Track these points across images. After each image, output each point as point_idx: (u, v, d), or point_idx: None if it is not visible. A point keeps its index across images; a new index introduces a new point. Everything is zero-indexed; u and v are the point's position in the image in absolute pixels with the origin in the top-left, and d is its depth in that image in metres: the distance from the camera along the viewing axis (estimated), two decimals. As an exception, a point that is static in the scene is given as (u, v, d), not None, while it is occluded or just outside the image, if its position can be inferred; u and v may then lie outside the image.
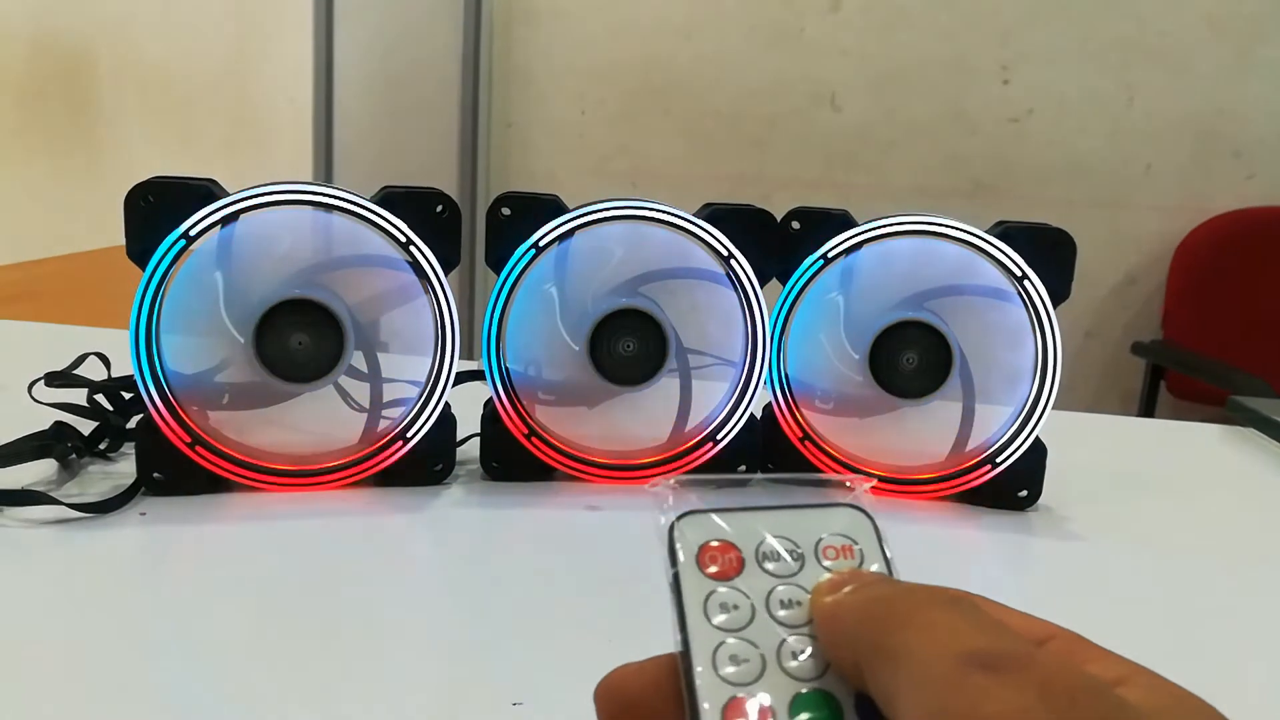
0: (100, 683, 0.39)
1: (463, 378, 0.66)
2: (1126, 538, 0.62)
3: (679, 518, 0.24)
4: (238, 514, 0.56)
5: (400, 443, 0.60)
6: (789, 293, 0.62)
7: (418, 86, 2.04)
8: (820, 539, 0.24)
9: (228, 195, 0.56)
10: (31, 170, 1.67)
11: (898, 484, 0.63)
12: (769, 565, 0.23)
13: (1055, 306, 0.61)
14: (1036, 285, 0.60)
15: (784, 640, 0.22)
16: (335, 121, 2.04)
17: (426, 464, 0.61)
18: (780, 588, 0.23)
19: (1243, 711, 0.21)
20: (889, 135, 1.96)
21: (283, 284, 0.58)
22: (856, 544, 0.24)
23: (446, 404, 0.60)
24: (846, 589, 0.23)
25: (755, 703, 0.21)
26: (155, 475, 0.57)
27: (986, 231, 0.61)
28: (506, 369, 0.62)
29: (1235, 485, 0.75)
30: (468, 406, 0.63)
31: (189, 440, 0.57)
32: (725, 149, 2.01)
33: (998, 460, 0.62)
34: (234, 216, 0.56)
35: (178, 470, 0.57)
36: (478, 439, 0.63)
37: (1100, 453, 0.77)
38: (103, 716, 0.38)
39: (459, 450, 0.62)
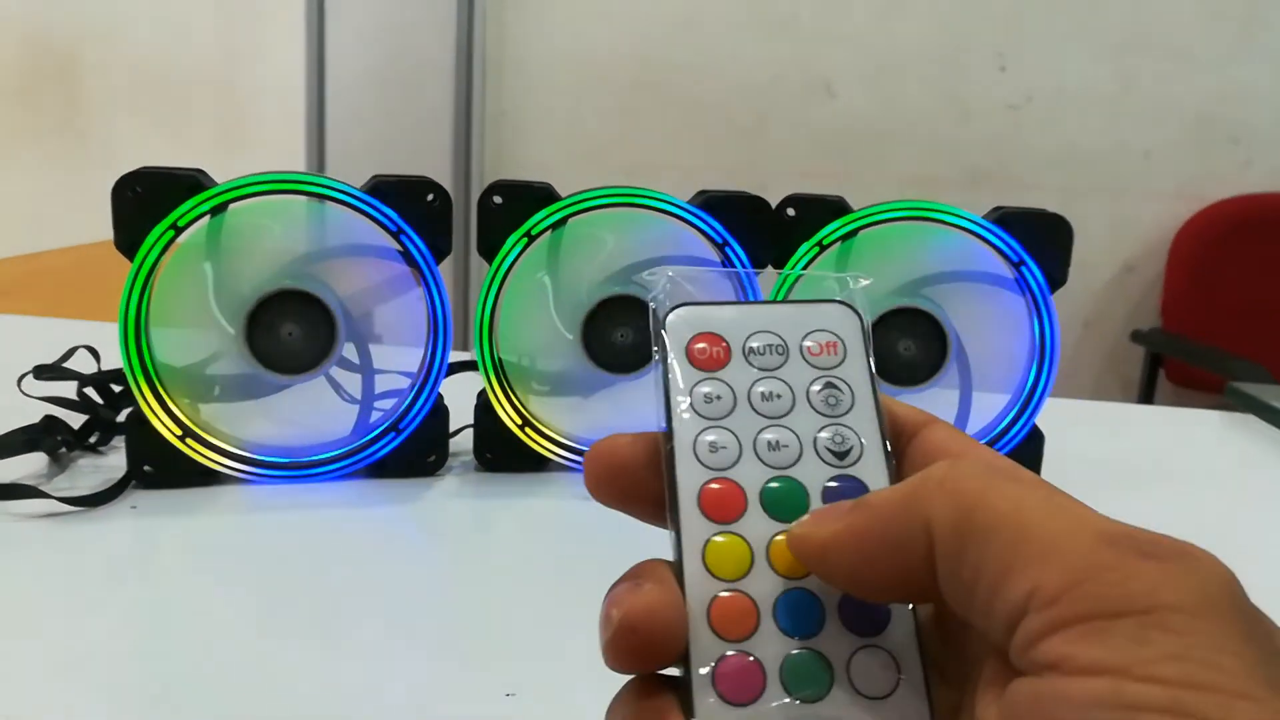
0: (92, 677, 0.39)
1: (456, 368, 0.65)
2: (1125, 525, 0.61)
3: (671, 308, 0.24)
4: (229, 507, 0.56)
5: (393, 434, 0.59)
6: (784, 280, 0.61)
7: (411, 74, 2.03)
8: (806, 334, 0.24)
9: (216, 185, 0.55)
10: (20, 163, 1.66)
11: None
12: (755, 359, 0.24)
13: (1053, 292, 0.60)
14: (1034, 271, 0.60)
15: (761, 429, 0.23)
16: (328, 109, 2.03)
17: (419, 455, 0.60)
18: (763, 381, 0.24)
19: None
20: (886, 123, 1.95)
21: (273, 275, 0.57)
22: (841, 340, 0.24)
23: (439, 395, 0.60)
24: (843, 510, 0.22)
25: (729, 485, 0.23)
26: (146, 468, 0.56)
27: (984, 217, 0.60)
28: (500, 359, 0.61)
29: (1234, 472, 0.74)
30: (461, 397, 0.62)
31: (179, 433, 0.56)
32: (721, 137, 2.00)
33: (995, 448, 0.62)
34: (223, 207, 0.56)
35: (168, 463, 0.56)
36: (471, 430, 0.62)
37: (1098, 440, 0.77)
38: (95, 711, 0.37)
39: (452, 441, 0.62)
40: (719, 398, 0.23)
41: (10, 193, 1.64)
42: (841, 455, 0.23)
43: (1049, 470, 0.62)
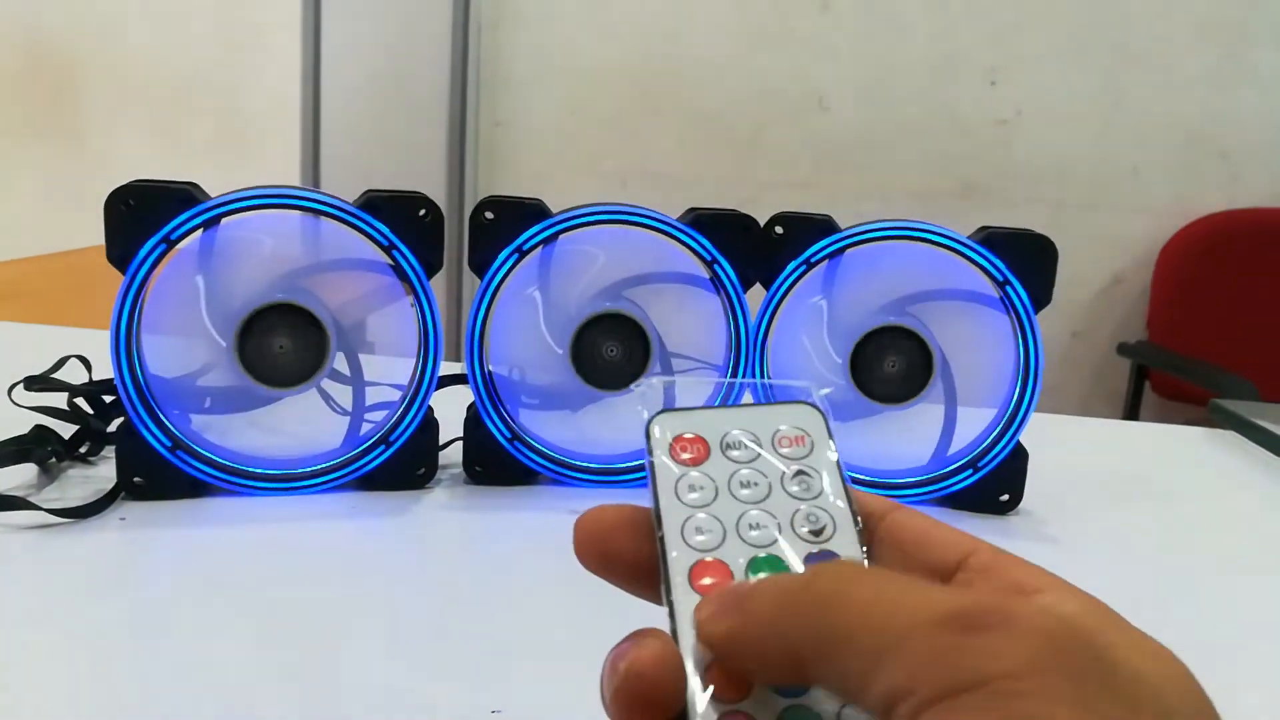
0: (78, 690, 0.39)
1: (446, 381, 0.65)
2: (1107, 542, 0.62)
3: (656, 414, 0.27)
4: (218, 519, 0.56)
5: (383, 446, 0.60)
6: (772, 297, 0.62)
7: (406, 86, 2.03)
8: (776, 430, 0.27)
9: (209, 199, 0.55)
10: (16, 169, 1.66)
11: (880, 488, 0.64)
12: (732, 453, 0.27)
13: (1037, 312, 0.61)
14: (1019, 291, 0.61)
15: (743, 514, 0.26)
16: (323, 121, 2.03)
17: (409, 468, 0.60)
18: (741, 471, 0.26)
19: (1224, 716, 0.22)
20: (878, 137, 1.96)
21: (265, 288, 0.57)
22: (808, 434, 0.27)
23: (429, 408, 0.60)
24: (729, 607, 0.23)
25: (717, 563, 0.25)
26: (135, 480, 0.56)
27: (969, 237, 0.61)
28: (489, 373, 0.62)
29: (1216, 489, 0.75)
30: (451, 410, 0.62)
31: (170, 444, 0.56)
32: (714, 150, 2.01)
33: (979, 465, 0.63)
34: (215, 220, 0.56)
35: (158, 475, 0.56)
36: (460, 443, 0.63)
37: (1082, 456, 0.77)
38: (79, 725, 0.37)
39: (442, 454, 0.62)
40: (702, 488, 0.26)
41: (6, 195, 1.64)
42: (817, 533, 0.26)
43: (1033, 488, 0.63)
